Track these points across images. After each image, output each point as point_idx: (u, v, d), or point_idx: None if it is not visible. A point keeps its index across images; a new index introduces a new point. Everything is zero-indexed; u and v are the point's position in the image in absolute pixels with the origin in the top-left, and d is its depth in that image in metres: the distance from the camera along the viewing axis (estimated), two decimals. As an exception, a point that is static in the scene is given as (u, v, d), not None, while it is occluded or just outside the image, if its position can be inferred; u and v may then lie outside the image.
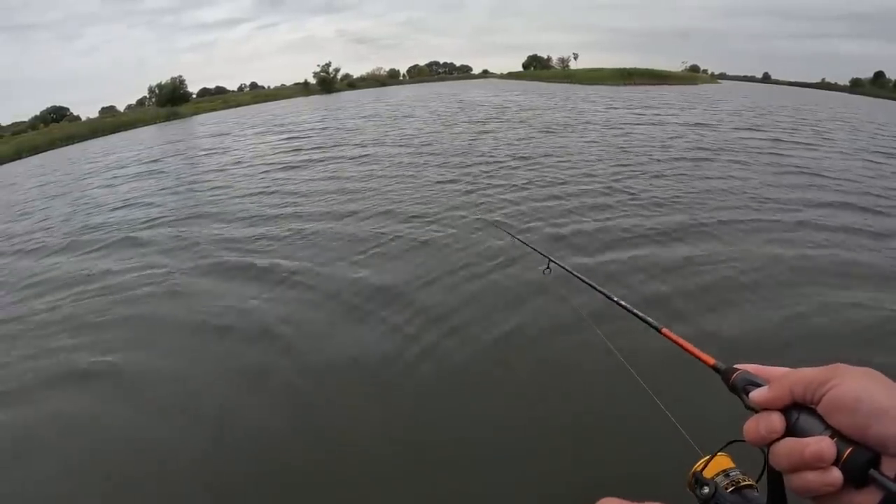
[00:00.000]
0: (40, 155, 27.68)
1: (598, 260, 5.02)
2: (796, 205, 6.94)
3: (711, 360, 0.60)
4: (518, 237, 2.00)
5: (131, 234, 7.63)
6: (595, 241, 5.56)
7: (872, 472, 0.39)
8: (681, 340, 0.70)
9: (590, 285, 1.06)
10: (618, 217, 6.43)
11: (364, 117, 22.65)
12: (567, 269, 1.28)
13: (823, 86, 75.72)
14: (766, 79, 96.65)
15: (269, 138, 18.40)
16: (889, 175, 9.19)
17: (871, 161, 10.54)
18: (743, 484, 0.63)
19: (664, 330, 0.78)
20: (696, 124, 16.06)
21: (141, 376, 3.75)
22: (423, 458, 2.70)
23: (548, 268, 1.45)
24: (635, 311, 0.87)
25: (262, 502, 2.62)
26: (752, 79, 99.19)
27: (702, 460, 0.67)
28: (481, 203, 7.25)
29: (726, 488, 0.62)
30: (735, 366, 0.55)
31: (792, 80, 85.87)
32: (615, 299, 0.97)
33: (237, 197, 9.24)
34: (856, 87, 68.62)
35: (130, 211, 9.34)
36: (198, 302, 4.83)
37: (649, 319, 0.81)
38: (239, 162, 13.56)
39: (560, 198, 7.31)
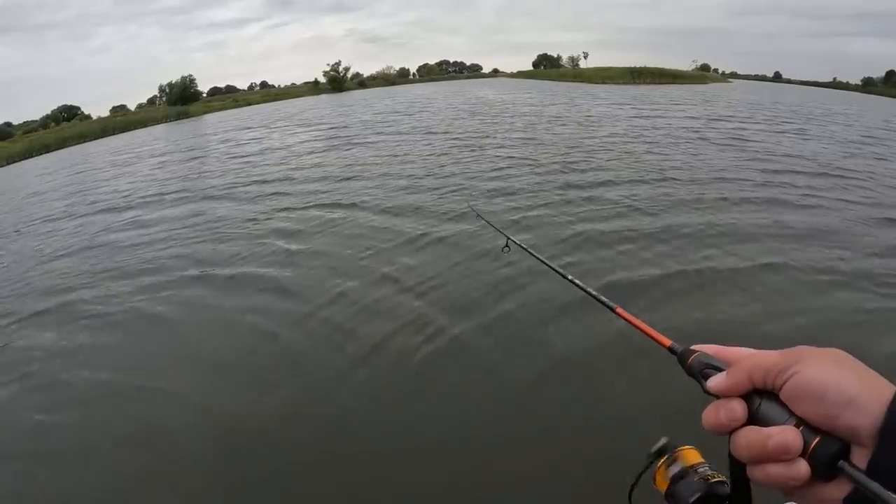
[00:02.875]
0: (58, 152, 28.61)
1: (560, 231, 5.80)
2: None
3: (668, 342, 0.58)
4: (484, 217, 2.06)
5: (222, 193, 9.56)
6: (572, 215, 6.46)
7: (842, 463, 0.38)
8: (636, 320, 0.67)
9: (546, 264, 1.05)
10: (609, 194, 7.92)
11: (380, 112, 24.16)
12: (524, 248, 1.28)
13: (835, 85, 75.10)
14: (777, 78, 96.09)
15: (296, 130, 20.16)
16: (834, 157, 10.40)
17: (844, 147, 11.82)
18: (713, 480, 0.57)
19: (618, 309, 0.74)
20: (689, 117, 17.56)
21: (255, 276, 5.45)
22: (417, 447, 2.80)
23: (507, 246, 1.46)
24: (590, 290, 0.83)
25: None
26: (763, 78, 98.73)
27: (663, 458, 0.63)
28: (469, 182, 8.63)
29: None
30: (693, 347, 0.53)
31: (803, 79, 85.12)
32: (570, 278, 0.94)
33: (299, 170, 10.94)
34: (868, 86, 67.70)
35: (207, 180, 11.21)
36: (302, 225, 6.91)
37: (603, 299, 0.77)
38: (272, 148, 15.27)
39: (566, 181, 8.85)
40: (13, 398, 3.68)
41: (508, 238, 1.44)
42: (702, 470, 0.59)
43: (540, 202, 7.06)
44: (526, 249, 1.24)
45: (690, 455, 0.62)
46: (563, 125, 15.65)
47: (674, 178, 8.22)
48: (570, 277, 0.94)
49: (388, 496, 2.49)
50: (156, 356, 4.00)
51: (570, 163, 9.66)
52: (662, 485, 0.61)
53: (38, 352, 4.27)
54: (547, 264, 1.04)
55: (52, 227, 9.02)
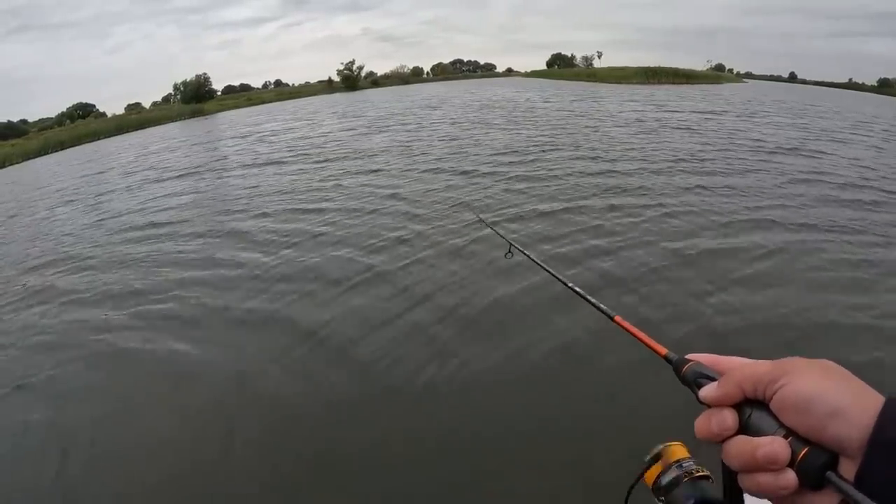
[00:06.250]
0: (76, 148, 28.42)
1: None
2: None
3: (663, 351, 0.59)
4: (486, 220, 2.08)
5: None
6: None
7: (829, 474, 0.38)
8: (633, 329, 0.69)
9: (547, 271, 1.04)
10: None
11: (400, 107, 25.87)
12: (526, 255, 1.29)
13: (850, 86, 74.24)
14: (792, 78, 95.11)
15: (328, 121, 21.98)
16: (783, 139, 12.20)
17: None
18: (698, 475, 0.58)
19: (617, 318, 0.75)
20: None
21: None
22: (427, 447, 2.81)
23: (509, 252, 1.46)
24: (589, 297, 0.83)
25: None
26: (778, 78, 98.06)
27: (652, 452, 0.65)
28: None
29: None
30: (688, 356, 0.54)
31: (819, 79, 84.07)
32: (570, 285, 0.93)
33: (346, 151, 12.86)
34: (883, 87, 66.33)
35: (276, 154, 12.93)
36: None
37: (602, 307, 0.78)
38: (318, 134, 16.96)
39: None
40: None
41: (511, 244, 1.46)
42: (687, 465, 0.58)
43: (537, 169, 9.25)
44: (529, 256, 1.24)
45: (678, 451, 0.60)
46: (577, 117, 17.50)
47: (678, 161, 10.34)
48: (570, 285, 0.93)
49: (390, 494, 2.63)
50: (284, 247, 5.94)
51: (541, 143, 11.75)
52: (650, 481, 0.61)
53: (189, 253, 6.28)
54: (548, 271, 1.04)
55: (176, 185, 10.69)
